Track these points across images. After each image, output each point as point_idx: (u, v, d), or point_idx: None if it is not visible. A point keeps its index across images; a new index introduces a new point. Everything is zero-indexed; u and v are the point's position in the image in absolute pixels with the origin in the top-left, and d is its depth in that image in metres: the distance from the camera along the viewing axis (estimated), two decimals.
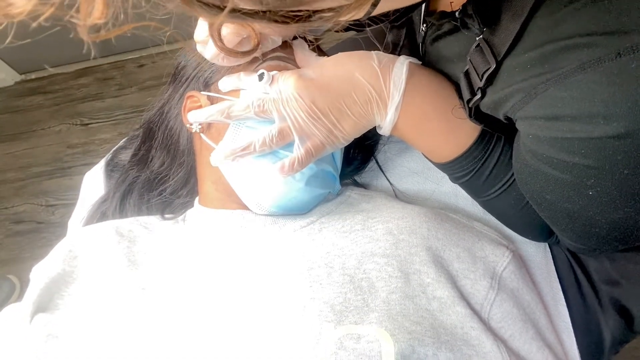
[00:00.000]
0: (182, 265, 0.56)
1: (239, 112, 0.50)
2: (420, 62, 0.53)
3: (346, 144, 0.52)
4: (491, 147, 0.51)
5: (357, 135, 0.52)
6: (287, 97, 0.49)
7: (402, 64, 0.50)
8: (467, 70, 0.45)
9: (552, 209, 0.46)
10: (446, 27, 0.49)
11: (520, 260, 0.55)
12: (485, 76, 0.41)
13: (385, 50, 0.61)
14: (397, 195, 0.66)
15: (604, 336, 0.57)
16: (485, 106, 0.45)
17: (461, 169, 0.53)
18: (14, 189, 1.76)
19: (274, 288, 0.49)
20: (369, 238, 0.51)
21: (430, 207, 0.60)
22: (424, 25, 0.54)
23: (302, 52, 0.55)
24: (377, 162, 0.69)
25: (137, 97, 1.87)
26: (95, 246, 0.58)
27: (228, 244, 0.56)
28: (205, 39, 0.50)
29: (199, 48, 0.51)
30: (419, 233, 0.50)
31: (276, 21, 0.28)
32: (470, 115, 0.48)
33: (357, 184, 0.68)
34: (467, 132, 0.51)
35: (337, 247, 0.51)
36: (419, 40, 0.57)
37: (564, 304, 0.56)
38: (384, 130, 0.52)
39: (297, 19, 0.28)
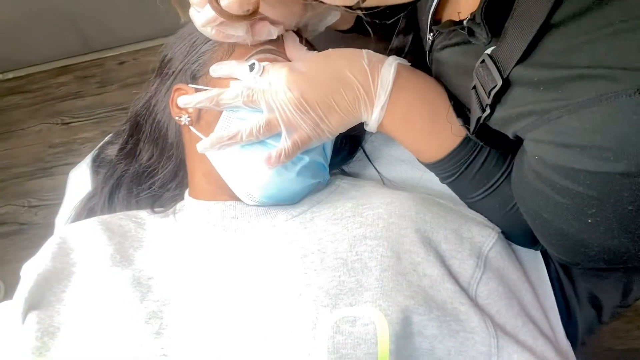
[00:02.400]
0: (175, 258, 0.56)
1: (227, 100, 0.51)
2: (410, 64, 0.54)
3: (332, 137, 0.54)
4: (475, 153, 0.53)
5: (343, 130, 0.53)
6: (276, 89, 0.49)
7: (390, 65, 0.52)
8: (474, 85, 0.45)
9: (546, 226, 0.46)
10: (455, 38, 0.50)
11: (506, 241, 0.56)
12: (492, 94, 0.41)
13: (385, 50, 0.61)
14: (385, 184, 0.66)
15: (579, 326, 0.59)
16: (494, 122, 0.45)
17: (444, 171, 0.55)
18: None
19: (269, 277, 0.50)
20: (359, 223, 0.52)
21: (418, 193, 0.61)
22: (431, 34, 0.55)
23: (293, 45, 0.56)
24: (364, 152, 0.69)
25: (118, 95, 1.84)
26: (85, 242, 0.57)
27: (220, 235, 0.56)
28: (201, 1, 0.49)
29: (192, 12, 0.51)
30: (408, 216, 0.52)
31: None
32: (473, 132, 0.48)
33: (345, 174, 0.69)
34: (450, 137, 0.53)
35: (329, 233, 0.52)
36: (427, 48, 0.57)
37: (549, 283, 0.57)
38: (370, 127, 0.54)
39: None
